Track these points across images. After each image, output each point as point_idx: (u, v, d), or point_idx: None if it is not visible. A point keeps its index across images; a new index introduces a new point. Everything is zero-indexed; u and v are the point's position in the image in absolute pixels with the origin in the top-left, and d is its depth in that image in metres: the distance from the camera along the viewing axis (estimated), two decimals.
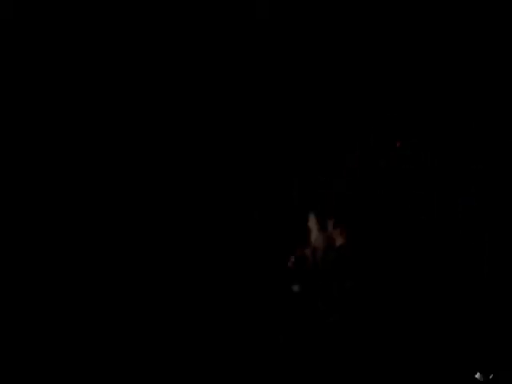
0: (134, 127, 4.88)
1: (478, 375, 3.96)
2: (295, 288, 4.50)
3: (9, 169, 4.81)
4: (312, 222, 4.62)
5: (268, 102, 4.72)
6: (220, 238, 4.69)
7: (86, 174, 4.97)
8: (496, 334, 4.13)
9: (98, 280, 4.72)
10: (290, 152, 4.84)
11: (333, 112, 4.70)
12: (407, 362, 4.14)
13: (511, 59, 4.14)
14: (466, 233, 4.32)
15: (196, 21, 4.30)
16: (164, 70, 4.59)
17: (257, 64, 4.53)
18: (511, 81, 4.23)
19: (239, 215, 4.85)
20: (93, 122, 4.83)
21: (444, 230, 4.43)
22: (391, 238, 4.53)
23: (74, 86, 4.64)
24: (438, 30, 4.23)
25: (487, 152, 4.45)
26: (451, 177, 4.51)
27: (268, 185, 4.87)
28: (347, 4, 4.18)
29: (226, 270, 4.60)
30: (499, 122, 4.42)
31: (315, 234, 4.67)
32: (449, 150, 4.53)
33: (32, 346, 4.39)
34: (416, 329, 4.28)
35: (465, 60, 4.32)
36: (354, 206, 4.62)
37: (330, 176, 4.77)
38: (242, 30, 4.30)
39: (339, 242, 4.62)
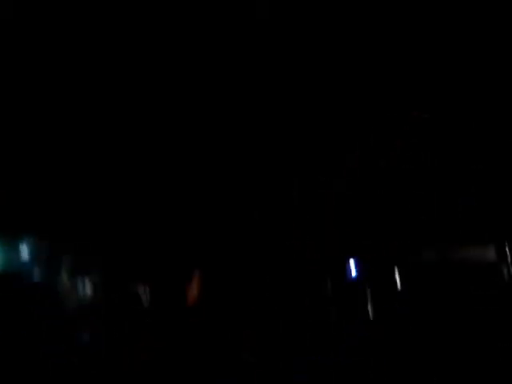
0: (134, 127, 4.88)
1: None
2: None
3: (8, 167, 4.81)
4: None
5: (268, 102, 4.72)
6: (220, 237, 4.69)
7: (85, 173, 4.97)
8: (496, 330, 4.13)
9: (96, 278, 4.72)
10: (290, 152, 4.83)
11: (333, 112, 4.69)
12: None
13: (510, 61, 4.14)
14: (466, 233, 4.31)
15: (196, 21, 4.30)
16: (164, 69, 4.59)
17: (257, 64, 4.53)
18: (510, 82, 4.22)
19: (239, 215, 4.85)
20: (92, 121, 4.83)
21: (444, 230, 4.43)
22: (391, 236, 4.53)
23: (74, 85, 4.64)
24: (438, 30, 4.23)
25: (487, 152, 4.44)
26: (451, 177, 4.51)
27: (268, 185, 4.87)
28: (347, 4, 4.18)
29: (225, 269, 4.60)
30: (499, 122, 4.42)
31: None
32: (449, 150, 4.53)
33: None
34: (415, 329, 4.28)
35: (465, 61, 4.31)
36: (353, 206, 4.62)
37: (329, 176, 4.77)
38: (242, 30, 4.29)
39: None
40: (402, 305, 4.28)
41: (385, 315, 4.20)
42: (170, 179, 4.95)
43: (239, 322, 4.44)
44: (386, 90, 4.53)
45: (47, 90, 4.64)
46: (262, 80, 4.62)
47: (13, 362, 4.23)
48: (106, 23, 4.29)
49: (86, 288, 4.79)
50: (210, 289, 4.57)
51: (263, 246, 4.75)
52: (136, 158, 4.92)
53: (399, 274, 4.38)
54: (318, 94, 4.65)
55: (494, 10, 4.07)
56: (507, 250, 4.37)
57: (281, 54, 4.45)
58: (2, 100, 4.56)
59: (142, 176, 4.92)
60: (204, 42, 4.39)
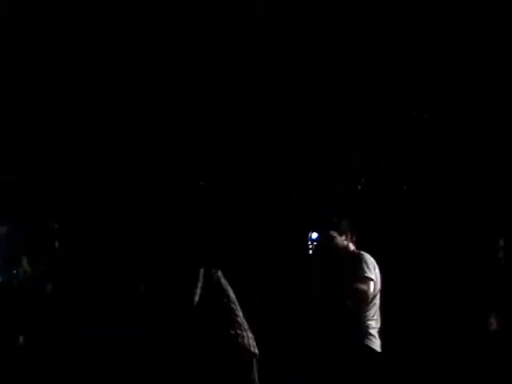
0: (134, 128, 4.88)
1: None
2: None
3: (8, 166, 4.81)
4: None
5: (268, 103, 4.71)
6: (220, 237, 4.68)
7: (85, 173, 4.97)
8: (494, 330, 4.12)
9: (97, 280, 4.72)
10: (290, 152, 4.83)
11: (333, 112, 4.69)
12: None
13: (510, 61, 4.13)
14: (466, 233, 4.31)
15: (196, 20, 4.30)
16: (164, 69, 4.59)
17: (257, 64, 4.52)
18: (510, 82, 4.22)
19: (239, 215, 4.85)
20: (92, 121, 4.83)
21: (444, 230, 4.43)
22: (391, 236, 4.53)
23: (74, 85, 4.64)
24: (437, 30, 4.23)
25: (487, 152, 4.44)
26: (451, 177, 4.50)
27: (268, 185, 4.87)
28: (347, 4, 4.17)
29: (225, 269, 4.59)
30: (499, 122, 4.41)
31: None
32: (449, 150, 4.53)
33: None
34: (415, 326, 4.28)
35: (465, 61, 4.31)
36: (354, 206, 4.62)
37: (329, 176, 4.77)
38: (242, 30, 4.29)
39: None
40: (401, 305, 4.28)
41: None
42: (170, 180, 4.94)
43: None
44: (386, 90, 4.53)
45: (47, 89, 4.65)
46: (262, 80, 4.61)
47: None
48: (106, 23, 4.29)
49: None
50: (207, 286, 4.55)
51: (263, 246, 4.74)
52: (133, 157, 4.92)
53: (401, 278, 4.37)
54: (318, 94, 4.64)
55: (493, 10, 4.07)
56: (506, 250, 4.37)
57: (281, 55, 4.45)
58: (1, 99, 4.56)
59: (146, 176, 4.92)
60: (204, 41, 4.39)
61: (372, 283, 2.81)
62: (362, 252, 2.91)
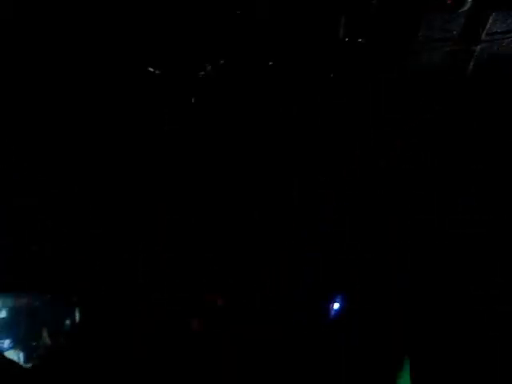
0: (134, 128, 4.89)
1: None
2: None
3: (9, 167, 4.82)
4: None
5: (268, 103, 4.72)
6: (220, 237, 4.69)
7: (85, 173, 4.97)
8: (494, 330, 4.13)
9: (98, 278, 4.72)
10: (290, 152, 4.84)
11: (333, 112, 4.70)
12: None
13: (509, 60, 4.14)
14: (466, 232, 4.32)
15: (196, 20, 4.31)
16: (163, 69, 4.59)
17: (257, 64, 4.53)
18: (510, 82, 4.23)
19: (239, 215, 4.86)
20: (92, 121, 4.83)
21: (444, 230, 4.43)
22: (391, 236, 4.53)
23: (74, 85, 4.65)
24: (437, 31, 4.23)
25: (487, 152, 4.45)
26: (451, 177, 4.51)
27: (268, 185, 4.88)
28: (347, 4, 4.18)
29: (225, 268, 4.60)
30: (499, 122, 4.42)
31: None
32: (449, 150, 4.53)
33: None
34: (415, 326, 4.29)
35: (464, 60, 4.32)
36: (354, 206, 4.63)
37: (329, 176, 4.77)
38: (242, 29, 4.30)
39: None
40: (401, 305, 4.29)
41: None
42: (171, 180, 4.95)
43: (237, 320, 4.44)
44: (386, 89, 4.54)
45: (47, 89, 4.65)
46: (262, 80, 4.62)
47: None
48: (105, 23, 4.29)
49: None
50: (210, 286, 4.57)
51: (263, 245, 4.75)
52: (135, 159, 4.93)
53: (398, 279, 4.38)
54: (319, 94, 4.65)
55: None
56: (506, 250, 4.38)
57: (281, 54, 4.46)
58: (1, 99, 4.57)
59: (146, 177, 4.92)
60: (204, 41, 4.40)
61: None
62: None
